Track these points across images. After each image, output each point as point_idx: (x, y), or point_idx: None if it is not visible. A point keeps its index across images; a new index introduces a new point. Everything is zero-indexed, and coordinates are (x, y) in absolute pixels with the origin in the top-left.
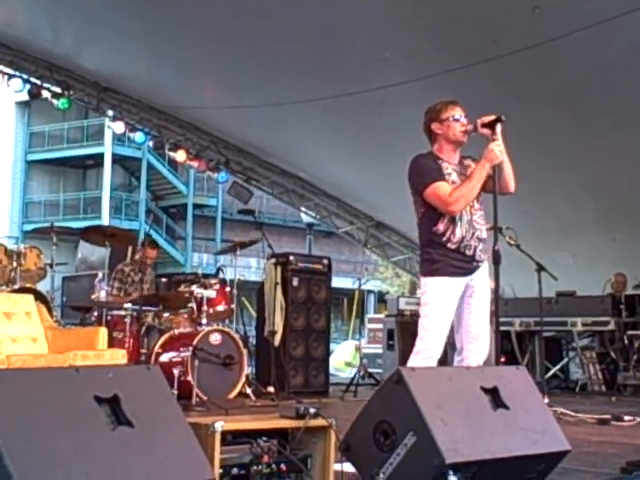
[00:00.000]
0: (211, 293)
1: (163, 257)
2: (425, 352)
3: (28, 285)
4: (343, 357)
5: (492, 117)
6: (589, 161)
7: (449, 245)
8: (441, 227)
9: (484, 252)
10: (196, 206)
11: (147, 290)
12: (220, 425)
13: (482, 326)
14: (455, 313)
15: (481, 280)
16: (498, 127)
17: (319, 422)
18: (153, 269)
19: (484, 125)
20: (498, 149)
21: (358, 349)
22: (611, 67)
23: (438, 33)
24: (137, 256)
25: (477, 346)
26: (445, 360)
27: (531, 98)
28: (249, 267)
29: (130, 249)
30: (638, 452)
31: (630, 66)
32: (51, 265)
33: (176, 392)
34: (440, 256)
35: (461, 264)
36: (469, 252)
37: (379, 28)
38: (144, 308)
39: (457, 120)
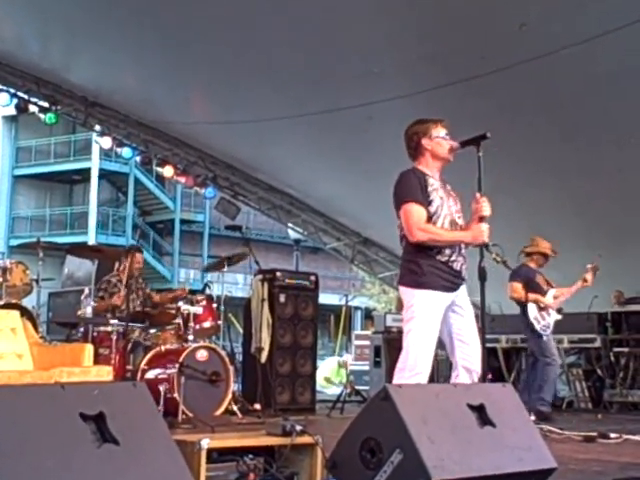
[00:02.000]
0: (198, 309)
1: (150, 272)
2: (412, 369)
3: (14, 301)
4: (323, 373)
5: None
6: (575, 177)
7: (439, 257)
8: None
9: (466, 270)
10: (183, 222)
11: (134, 300)
12: (206, 442)
13: (474, 342)
14: (443, 330)
15: (464, 297)
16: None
17: (305, 439)
18: (143, 280)
19: (469, 142)
20: (486, 232)
21: (341, 366)
22: (598, 84)
23: (426, 49)
24: (122, 266)
25: (471, 362)
26: (433, 377)
27: (519, 114)
28: (236, 283)
29: (117, 264)
30: (624, 470)
31: (617, 83)
32: (37, 281)
33: (162, 409)
34: (429, 267)
35: (450, 278)
36: (456, 267)
37: (367, 44)
38: (130, 324)
39: (445, 139)
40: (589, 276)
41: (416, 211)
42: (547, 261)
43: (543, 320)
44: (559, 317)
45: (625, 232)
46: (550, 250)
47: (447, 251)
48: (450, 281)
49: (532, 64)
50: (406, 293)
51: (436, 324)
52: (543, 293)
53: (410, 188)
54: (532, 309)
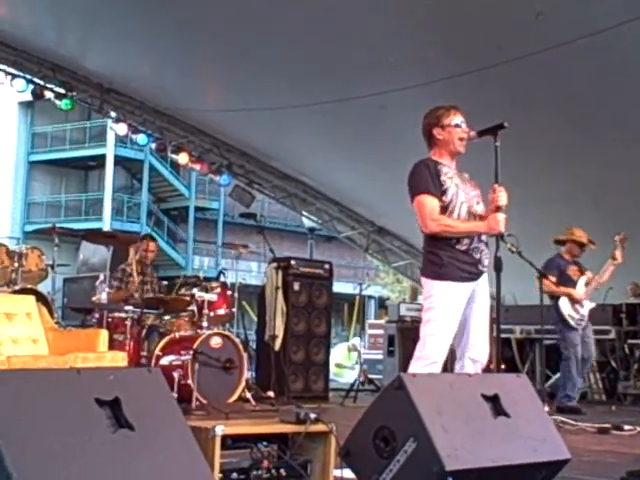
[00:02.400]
0: (212, 296)
1: (164, 259)
2: (428, 358)
3: (29, 286)
4: (334, 359)
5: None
6: (591, 168)
7: (458, 247)
8: None
9: (488, 258)
10: (198, 209)
11: (148, 291)
12: (220, 429)
13: (482, 333)
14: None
15: (483, 287)
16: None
17: (319, 427)
18: (154, 270)
19: (486, 131)
20: (503, 222)
21: (351, 349)
22: (615, 74)
23: (441, 39)
24: (137, 255)
25: (477, 353)
26: (446, 367)
27: (533, 104)
28: (250, 271)
29: (132, 250)
30: (638, 461)
31: (632, 74)
32: (52, 266)
33: (176, 395)
34: (449, 258)
35: (470, 268)
36: (477, 255)
37: (382, 32)
38: (145, 311)
39: (458, 126)
40: (618, 253)
41: (429, 202)
42: (583, 251)
43: (577, 314)
44: (593, 305)
45: (639, 223)
46: (586, 239)
47: (466, 240)
48: (470, 271)
49: (547, 54)
50: (426, 284)
51: (455, 315)
52: (574, 285)
53: (422, 179)
54: (565, 304)
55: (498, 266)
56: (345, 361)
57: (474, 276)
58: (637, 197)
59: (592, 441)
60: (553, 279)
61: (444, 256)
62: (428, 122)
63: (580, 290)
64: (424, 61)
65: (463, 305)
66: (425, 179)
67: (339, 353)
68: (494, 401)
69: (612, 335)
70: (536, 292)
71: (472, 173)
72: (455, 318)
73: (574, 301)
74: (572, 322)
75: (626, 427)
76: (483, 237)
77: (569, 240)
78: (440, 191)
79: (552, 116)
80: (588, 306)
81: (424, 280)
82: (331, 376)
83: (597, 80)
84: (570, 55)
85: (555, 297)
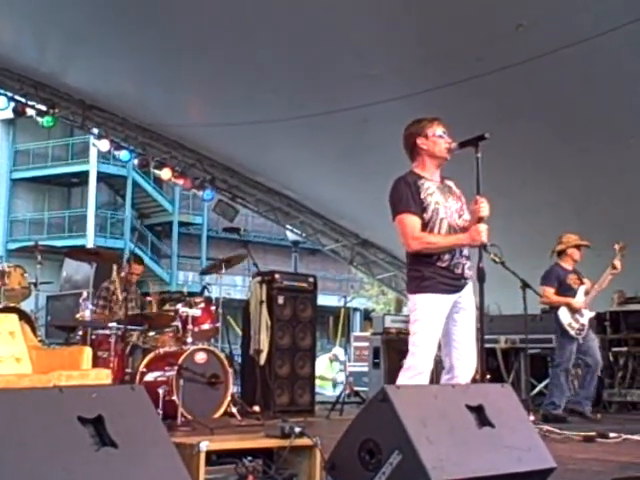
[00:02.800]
0: (196, 312)
1: (148, 275)
2: (415, 368)
3: (12, 304)
4: (316, 372)
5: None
6: (573, 177)
7: (439, 263)
8: None
9: (470, 269)
10: (181, 224)
11: (132, 309)
12: (205, 445)
13: (469, 344)
14: (442, 331)
15: (468, 298)
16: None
17: (304, 441)
18: (138, 287)
19: (467, 143)
20: (484, 233)
21: (332, 360)
22: (595, 84)
23: (423, 50)
24: (122, 273)
25: (465, 364)
26: (433, 378)
27: (515, 115)
28: (234, 285)
29: (115, 267)
30: (623, 469)
31: (614, 83)
32: (35, 284)
33: (161, 412)
34: (431, 273)
35: (451, 282)
36: (458, 270)
37: (364, 45)
38: (129, 327)
39: (441, 137)
40: (617, 262)
41: (410, 221)
42: (581, 252)
43: (577, 323)
44: (592, 314)
45: (623, 232)
46: (579, 240)
47: (446, 257)
48: (451, 284)
49: (529, 65)
50: (411, 299)
51: (438, 326)
52: (574, 294)
53: (402, 198)
54: (564, 314)
55: (481, 277)
56: (327, 372)
57: (455, 288)
58: (621, 206)
59: (577, 449)
60: (552, 290)
61: (425, 271)
62: (411, 132)
63: (580, 299)
64: (406, 73)
65: (444, 316)
66: (406, 197)
67: (321, 365)
68: (478, 411)
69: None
70: (520, 302)
71: (452, 178)
72: (438, 329)
73: (574, 310)
74: (572, 332)
75: (611, 435)
76: (465, 251)
77: (569, 247)
78: (420, 208)
79: (535, 126)
80: (588, 315)
81: (409, 296)
82: (317, 389)
83: (580, 90)
84: (552, 65)
85: (555, 307)
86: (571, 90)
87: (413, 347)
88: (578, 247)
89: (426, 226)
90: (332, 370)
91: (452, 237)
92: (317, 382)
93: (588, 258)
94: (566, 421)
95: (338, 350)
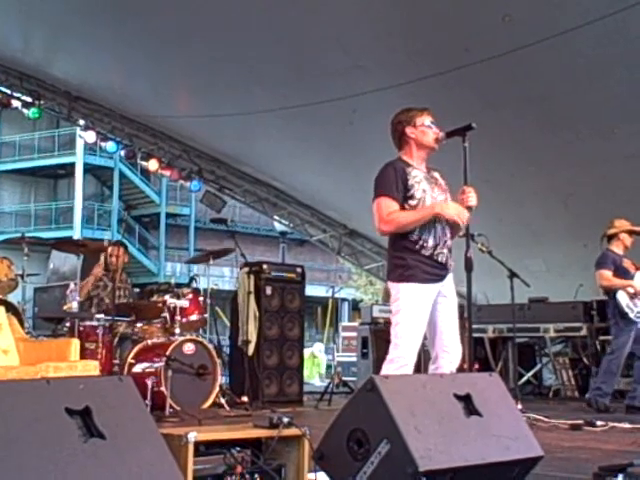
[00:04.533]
0: (184, 303)
1: (136, 267)
2: (399, 360)
3: None
4: None
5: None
6: (560, 168)
7: (423, 252)
8: (416, 233)
9: (452, 260)
10: (169, 215)
11: (122, 297)
12: (193, 436)
13: (453, 333)
14: (428, 321)
15: (449, 287)
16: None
17: (293, 431)
18: (127, 275)
19: (454, 132)
20: (454, 208)
21: (315, 355)
22: (581, 74)
23: (410, 41)
24: (108, 261)
25: (450, 353)
26: (419, 368)
27: (502, 105)
28: (222, 276)
29: (102, 258)
30: (610, 457)
31: (599, 73)
32: (22, 276)
33: (149, 403)
34: (414, 261)
35: (434, 270)
36: (442, 259)
37: (352, 37)
38: (116, 318)
39: (430, 127)
40: None
41: (386, 204)
42: (632, 239)
43: (636, 307)
44: None
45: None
46: (632, 225)
47: (430, 244)
48: (434, 273)
49: (515, 55)
50: (393, 287)
51: (423, 316)
52: (631, 278)
53: (386, 182)
54: (623, 297)
55: (469, 266)
56: (308, 366)
57: (439, 277)
58: (606, 195)
59: (565, 437)
60: (609, 273)
61: (409, 259)
62: (399, 121)
63: (638, 283)
64: (393, 64)
65: (429, 306)
66: (390, 182)
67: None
68: (466, 400)
69: (583, 332)
70: (508, 291)
71: (439, 169)
72: (423, 319)
73: (632, 295)
74: (632, 314)
75: (598, 423)
76: (448, 241)
77: (622, 231)
78: (404, 196)
79: (522, 117)
80: None
81: (391, 284)
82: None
83: (564, 80)
84: (537, 56)
85: (612, 291)
86: (556, 81)
87: (396, 339)
88: (630, 233)
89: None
90: (314, 365)
91: (421, 210)
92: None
93: (573, 248)
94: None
95: (318, 346)
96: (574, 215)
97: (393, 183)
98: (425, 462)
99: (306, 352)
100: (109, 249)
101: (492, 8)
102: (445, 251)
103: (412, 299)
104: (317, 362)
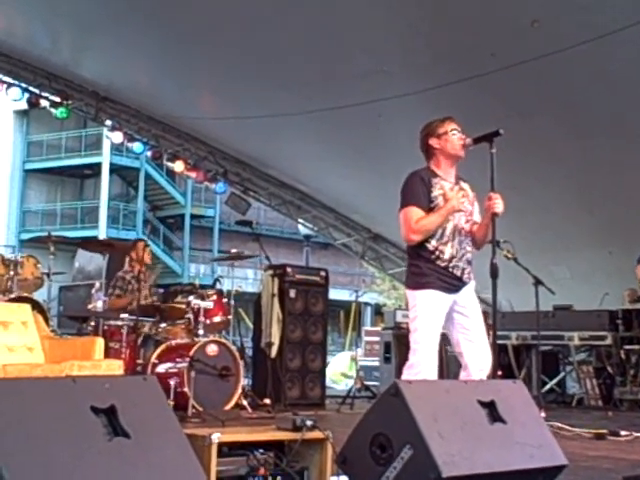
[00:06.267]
0: (208, 304)
1: (160, 267)
2: (418, 365)
3: (25, 294)
4: (339, 368)
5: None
6: (586, 175)
7: (438, 262)
8: (433, 243)
9: (471, 273)
10: (194, 217)
11: (146, 297)
12: (217, 437)
13: (481, 341)
14: (450, 332)
15: (470, 297)
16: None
17: (316, 434)
18: (152, 271)
19: (481, 138)
20: (458, 198)
21: (354, 360)
22: (611, 81)
23: (436, 46)
24: (132, 261)
25: (481, 361)
26: (442, 374)
27: (529, 111)
28: (246, 278)
29: (127, 258)
30: (635, 467)
31: (630, 80)
32: (48, 274)
33: (172, 403)
34: (429, 270)
35: (450, 280)
36: (457, 272)
37: (377, 41)
38: (141, 318)
39: (454, 134)
40: None
41: (414, 213)
42: None
43: None
44: None
45: (636, 230)
46: None
47: (446, 256)
48: (450, 283)
49: (543, 61)
50: (410, 295)
51: (439, 321)
52: None
53: (413, 192)
54: None
55: (494, 273)
56: (349, 370)
57: (454, 288)
58: (633, 204)
59: (589, 447)
60: None
61: (424, 267)
62: (424, 134)
63: None
64: (419, 69)
65: (444, 313)
66: (416, 190)
67: (342, 362)
68: (490, 407)
69: (608, 341)
70: (532, 298)
71: (468, 180)
72: (438, 325)
73: None
74: None
75: (622, 433)
76: (468, 255)
77: None
78: (429, 207)
79: (548, 123)
80: None
81: (408, 292)
82: (329, 383)
83: (593, 86)
84: (566, 61)
85: None
86: (584, 87)
87: (415, 344)
88: None
89: None
90: (352, 370)
91: (440, 210)
92: (339, 377)
93: (598, 255)
94: None
95: (359, 351)
96: (600, 222)
97: (419, 192)
98: (448, 468)
99: (346, 356)
100: (132, 250)
101: (521, 13)
102: (461, 264)
103: (428, 306)
104: (351, 366)
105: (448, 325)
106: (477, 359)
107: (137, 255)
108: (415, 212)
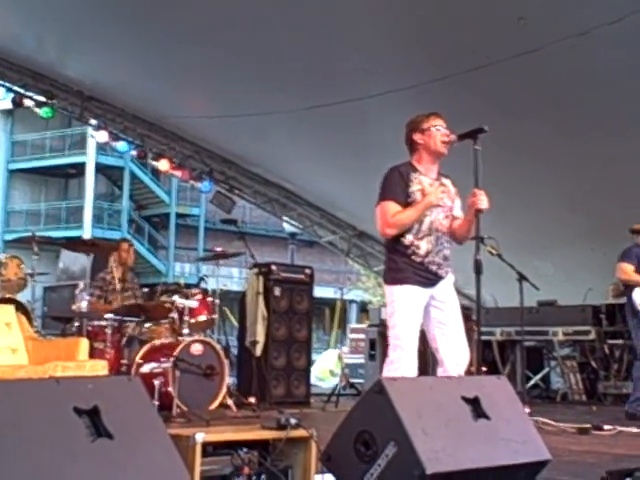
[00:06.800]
0: (193, 303)
1: (145, 266)
2: (399, 361)
3: (8, 295)
4: (327, 366)
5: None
6: (570, 172)
7: (414, 257)
8: (409, 238)
9: (448, 268)
10: (179, 215)
11: (131, 297)
12: (201, 436)
13: (457, 336)
14: (426, 327)
15: (447, 291)
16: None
17: (300, 433)
18: (136, 276)
19: (466, 135)
20: (436, 197)
21: (341, 358)
22: (594, 79)
23: (421, 43)
24: (115, 262)
25: (456, 356)
26: (427, 371)
27: (513, 109)
28: (231, 277)
29: (111, 259)
30: (618, 461)
31: (613, 78)
32: (32, 275)
33: (157, 403)
34: (405, 265)
35: (426, 274)
36: (433, 267)
37: (363, 39)
38: (125, 318)
39: (438, 130)
40: None
41: (390, 208)
42: None
43: None
44: None
45: (620, 226)
46: None
47: (421, 252)
48: (426, 278)
49: (529, 57)
50: (387, 290)
51: (417, 316)
52: None
53: (390, 186)
54: (638, 294)
55: (478, 269)
56: (337, 368)
57: (430, 282)
58: (616, 199)
59: (572, 441)
60: (631, 267)
61: (400, 262)
62: (409, 129)
63: None
64: (404, 66)
65: (422, 308)
66: (393, 185)
67: (329, 360)
68: (474, 403)
69: (592, 336)
70: (516, 294)
71: (450, 175)
72: (417, 319)
73: None
74: None
75: (606, 427)
76: (444, 251)
77: None
78: (406, 201)
79: (531, 120)
80: None
81: (386, 287)
82: (313, 380)
83: (577, 84)
84: (551, 58)
85: (629, 287)
86: (570, 83)
87: (395, 340)
88: None
89: None
90: (339, 367)
91: (416, 206)
92: (323, 375)
93: (584, 252)
94: None
95: (344, 349)
96: (582, 219)
97: (397, 186)
98: (432, 465)
99: (333, 354)
100: (116, 250)
101: (507, 10)
102: (437, 259)
103: (405, 301)
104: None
105: (425, 320)
106: (453, 354)
107: (120, 256)
108: (391, 206)
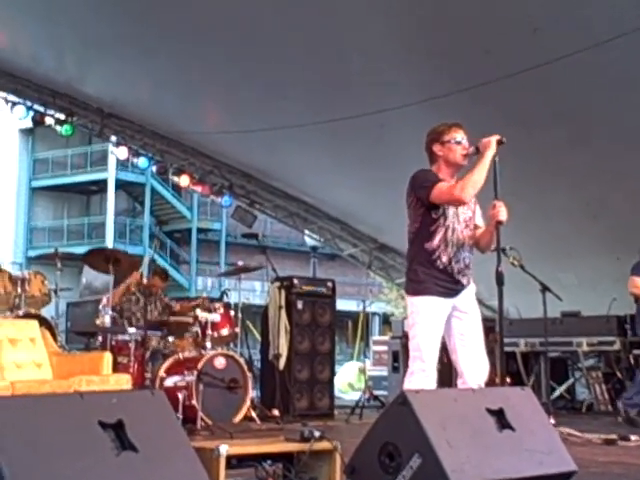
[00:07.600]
0: (215, 317)
1: (168, 282)
2: (420, 373)
3: (32, 311)
4: (347, 379)
5: (493, 138)
6: (589, 182)
7: (437, 264)
8: (433, 244)
9: (470, 276)
10: (200, 230)
11: (152, 312)
12: (225, 449)
13: (477, 348)
14: (447, 338)
15: (469, 301)
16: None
17: (324, 445)
18: (164, 294)
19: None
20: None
21: (362, 371)
22: (611, 88)
23: (438, 56)
24: (145, 281)
25: (475, 368)
26: (450, 383)
27: (531, 120)
28: (253, 291)
29: (138, 274)
30: None
31: (630, 87)
32: (55, 291)
33: (181, 416)
34: (426, 275)
35: (447, 284)
36: (455, 276)
37: (380, 52)
38: (148, 333)
39: (459, 143)
40: None
41: (443, 185)
42: None
43: None
44: None
45: None
46: None
47: (444, 259)
48: (447, 287)
49: (545, 69)
50: (408, 301)
51: (438, 328)
52: None
53: (427, 178)
54: None
55: (500, 280)
56: (357, 382)
57: (452, 292)
58: (637, 209)
59: (598, 452)
60: None
61: (421, 273)
62: (430, 139)
63: None
64: (420, 79)
65: (444, 319)
66: (430, 176)
67: (350, 372)
68: (499, 415)
69: (617, 346)
70: (539, 305)
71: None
72: (438, 331)
73: None
74: None
75: (632, 437)
76: (465, 260)
77: None
78: (428, 205)
79: (550, 131)
80: None
81: (407, 298)
82: (337, 393)
83: (594, 94)
84: (567, 69)
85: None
86: (587, 94)
87: (415, 352)
88: None
89: (433, 223)
90: (359, 381)
91: (480, 162)
92: (345, 387)
93: (603, 262)
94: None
95: (367, 362)
96: (605, 228)
97: (433, 176)
98: (457, 476)
99: (353, 367)
100: (151, 278)
101: (522, 21)
102: (459, 267)
103: (426, 312)
104: (362, 378)
105: (447, 332)
106: (472, 366)
107: (151, 284)
108: (442, 183)
